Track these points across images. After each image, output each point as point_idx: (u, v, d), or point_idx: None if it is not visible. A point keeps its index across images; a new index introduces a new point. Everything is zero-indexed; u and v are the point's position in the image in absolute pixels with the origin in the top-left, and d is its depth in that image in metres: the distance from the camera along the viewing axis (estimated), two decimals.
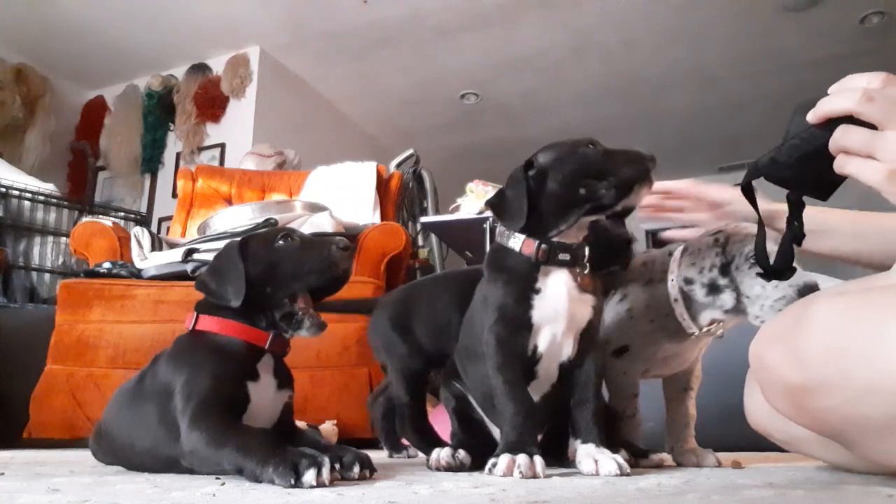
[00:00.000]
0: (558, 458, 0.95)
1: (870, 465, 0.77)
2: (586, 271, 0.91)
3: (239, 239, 0.99)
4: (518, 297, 0.89)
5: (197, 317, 0.95)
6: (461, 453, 0.99)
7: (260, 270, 0.93)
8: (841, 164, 0.69)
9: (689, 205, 1.12)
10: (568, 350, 0.91)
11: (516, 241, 0.92)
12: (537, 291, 0.89)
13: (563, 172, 0.90)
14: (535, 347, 0.90)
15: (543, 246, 0.89)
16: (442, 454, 0.99)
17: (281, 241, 0.96)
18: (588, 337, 0.92)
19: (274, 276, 0.93)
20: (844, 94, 0.68)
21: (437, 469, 0.97)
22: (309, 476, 0.69)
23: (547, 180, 0.91)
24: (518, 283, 0.90)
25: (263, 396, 0.91)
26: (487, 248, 2.63)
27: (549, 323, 0.89)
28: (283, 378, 0.96)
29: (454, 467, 0.97)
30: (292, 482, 0.69)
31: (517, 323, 0.89)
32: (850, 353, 0.64)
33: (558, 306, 0.89)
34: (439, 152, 5.38)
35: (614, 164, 0.88)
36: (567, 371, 0.93)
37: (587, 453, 0.87)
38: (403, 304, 1.23)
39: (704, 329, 1.00)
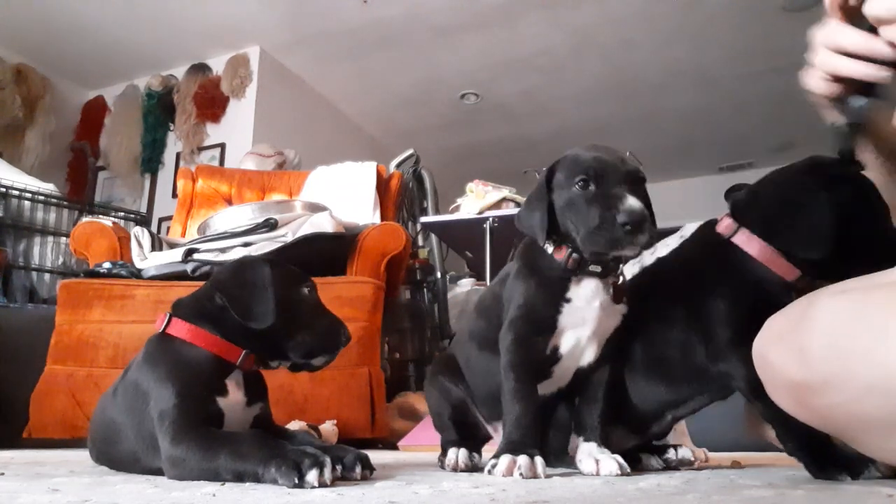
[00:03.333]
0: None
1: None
2: (619, 282, 0.90)
3: (263, 258, 0.96)
4: (547, 302, 0.88)
5: (169, 319, 0.91)
6: (476, 456, 1.00)
7: (277, 305, 0.90)
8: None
9: None
10: (590, 356, 0.91)
11: (549, 246, 0.90)
12: (568, 301, 0.88)
13: (559, 200, 0.88)
14: (557, 348, 0.90)
15: (574, 255, 0.87)
16: (460, 456, 0.98)
17: (306, 290, 0.95)
18: (612, 344, 0.91)
19: (288, 320, 0.91)
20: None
21: (455, 471, 0.96)
22: (312, 476, 0.69)
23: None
24: (549, 289, 0.88)
25: (233, 410, 0.89)
26: (488, 249, 2.64)
27: (574, 328, 0.89)
28: (254, 393, 0.94)
29: (470, 469, 0.97)
30: (296, 481, 0.69)
31: (541, 325, 0.88)
32: (853, 351, 0.64)
33: (587, 315, 0.88)
34: (439, 152, 5.38)
35: (593, 218, 0.82)
36: (582, 376, 0.93)
37: (588, 453, 0.87)
38: None
39: None
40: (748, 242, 0.88)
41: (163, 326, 0.91)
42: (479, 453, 1.04)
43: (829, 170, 0.86)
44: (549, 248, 0.89)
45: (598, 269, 0.88)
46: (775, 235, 0.86)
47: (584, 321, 0.88)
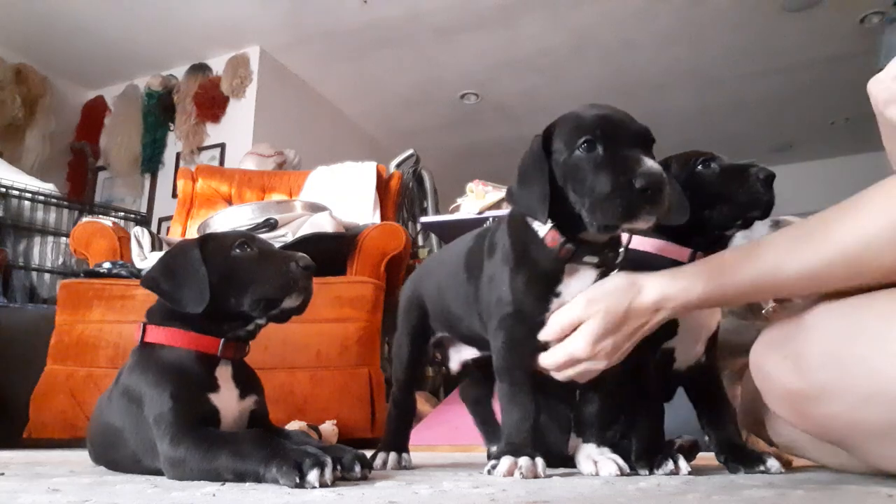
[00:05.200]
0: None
1: (869, 468, 0.77)
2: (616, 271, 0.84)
3: (196, 237, 0.93)
4: (537, 297, 0.83)
5: (144, 329, 0.91)
6: (406, 457, 1.07)
7: (216, 278, 0.88)
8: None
9: None
10: None
11: (542, 227, 0.82)
12: (557, 295, 0.82)
13: (560, 168, 0.79)
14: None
15: (568, 245, 0.80)
16: (389, 459, 1.04)
17: (237, 250, 0.91)
18: None
19: (231, 286, 0.89)
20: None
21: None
22: (313, 476, 0.69)
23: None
24: (539, 283, 0.82)
25: (227, 406, 0.89)
26: None
27: None
28: (246, 384, 0.93)
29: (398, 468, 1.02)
30: (297, 481, 0.69)
31: (532, 324, 0.84)
32: (850, 359, 0.64)
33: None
34: (439, 152, 5.38)
35: (604, 183, 0.72)
36: None
37: (587, 454, 0.86)
38: None
39: None
40: (641, 243, 0.92)
41: (140, 337, 0.92)
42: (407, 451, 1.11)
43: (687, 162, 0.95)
44: (542, 231, 0.81)
45: (594, 259, 0.81)
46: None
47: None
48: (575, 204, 0.77)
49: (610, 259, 0.84)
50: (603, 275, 0.83)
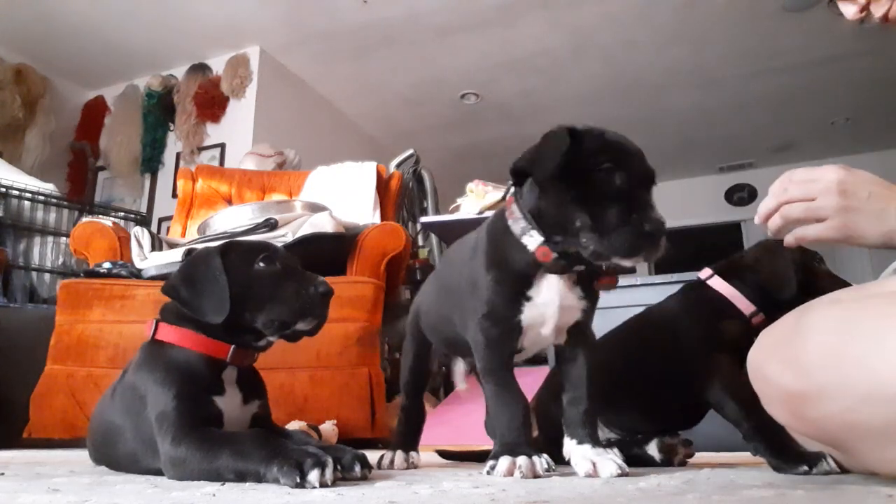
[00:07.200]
0: None
1: (864, 471, 0.77)
2: (585, 274, 0.87)
3: (218, 245, 0.93)
4: (510, 299, 0.86)
5: (156, 325, 0.92)
6: (414, 455, 1.10)
7: (235, 290, 0.87)
8: (800, 235, 0.81)
9: None
10: (550, 340, 0.91)
11: (531, 241, 0.84)
12: (528, 298, 0.86)
13: (579, 176, 0.79)
14: (521, 341, 0.91)
15: (562, 262, 0.83)
16: (396, 458, 1.07)
17: (262, 263, 0.90)
18: (577, 332, 0.91)
19: (247, 301, 0.88)
20: (769, 197, 0.82)
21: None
22: (314, 476, 0.69)
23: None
24: (511, 286, 0.86)
25: (231, 409, 0.89)
26: None
27: (536, 325, 0.88)
28: (250, 389, 0.93)
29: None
30: (298, 481, 0.69)
31: (507, 325, 0.87)
32: (848, 361, 0.64)
33: (546, 313, 0.87)
34: (439, 152, 5.38)
35: (618, 217, 0.76)
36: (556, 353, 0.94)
37: (583, 455, 0.86)
38: None
39: None
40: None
41: (152, 333, 0.92)
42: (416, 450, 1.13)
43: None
44: (533, 244, 0.83)
45: (581, 267, 0.85)
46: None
47: (544, 319, 0.87)
48: (575, 220, 0.79)
49: (594, 267, 0.85)
50: (579, 280, 0.87)
